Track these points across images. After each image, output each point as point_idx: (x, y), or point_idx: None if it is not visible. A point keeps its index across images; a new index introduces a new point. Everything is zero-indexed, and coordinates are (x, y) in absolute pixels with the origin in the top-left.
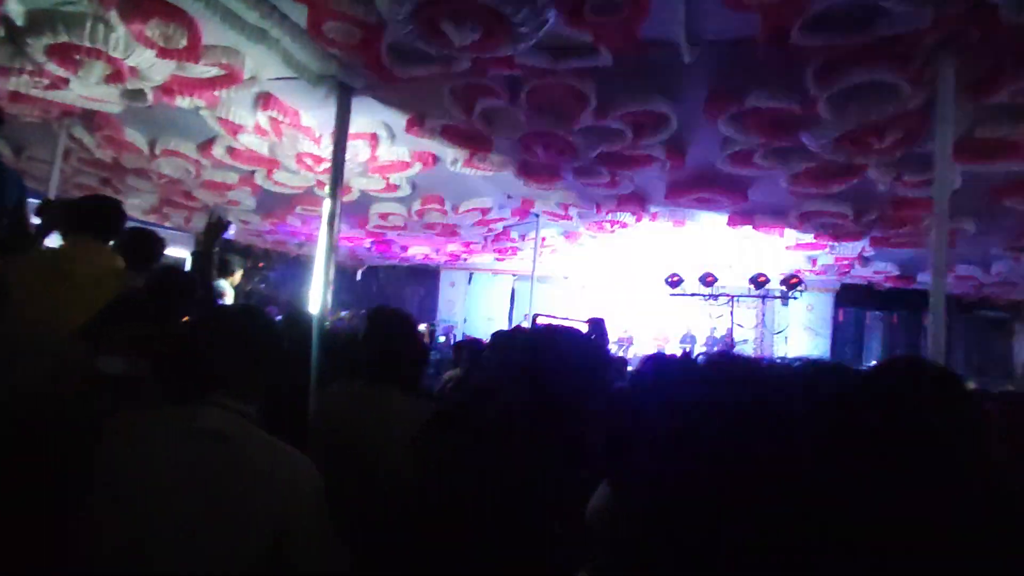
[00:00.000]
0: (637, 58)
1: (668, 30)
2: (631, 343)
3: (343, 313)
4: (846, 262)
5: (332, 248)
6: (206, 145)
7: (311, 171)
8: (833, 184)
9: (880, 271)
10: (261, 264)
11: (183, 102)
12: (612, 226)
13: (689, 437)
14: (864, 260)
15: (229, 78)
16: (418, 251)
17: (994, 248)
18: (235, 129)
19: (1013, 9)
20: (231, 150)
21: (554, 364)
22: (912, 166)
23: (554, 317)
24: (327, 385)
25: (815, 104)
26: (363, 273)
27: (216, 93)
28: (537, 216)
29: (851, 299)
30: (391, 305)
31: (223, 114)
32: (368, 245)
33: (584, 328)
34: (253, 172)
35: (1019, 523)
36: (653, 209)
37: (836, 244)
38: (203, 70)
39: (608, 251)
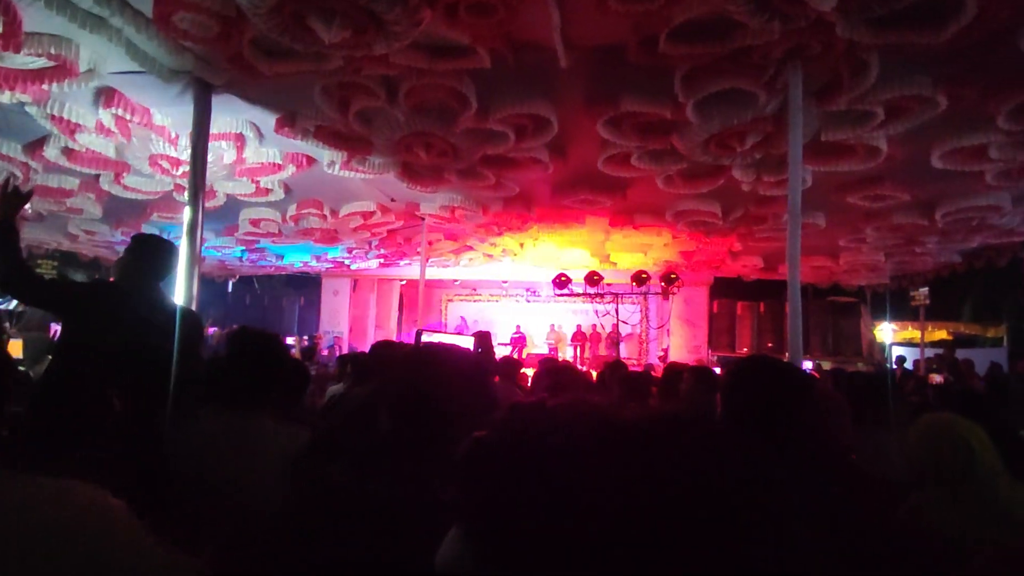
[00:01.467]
0: (517, 61)
1: (544, 34)
2: (524, 343)
3: (211, 330)
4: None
5: (195, 259)
6: (35, 145)
7: (168, 175)
8: (702, 184)
9: (747, 264)
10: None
11: (2, 96)
12: (499, 228)
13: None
14: (733, 255)
15: (60, 70)
16: (296, 258)
17: (841, 240)
18: (72, 128)
19: (846, 26)
20: (68, 151)
21: (436, 385)
22: (770, 167)
23: (437, 331)
24: (194, 410)
25: (684, 109)
26: (235, 284)
27: (45, 87)
28: (423, 219)
29: (723, 291)
30: (268, 318)
31: (55, 111)
32: (240, 254)
33: (471, 342)
34: (98, 176)
35: (854, 492)
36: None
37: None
38: (26, 60)
39: (497, 253)
